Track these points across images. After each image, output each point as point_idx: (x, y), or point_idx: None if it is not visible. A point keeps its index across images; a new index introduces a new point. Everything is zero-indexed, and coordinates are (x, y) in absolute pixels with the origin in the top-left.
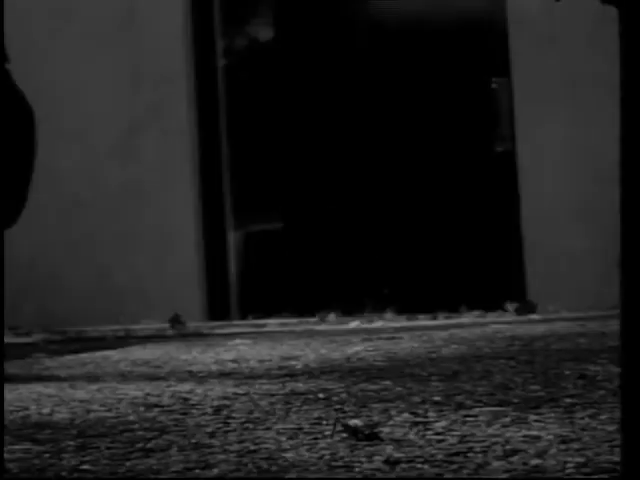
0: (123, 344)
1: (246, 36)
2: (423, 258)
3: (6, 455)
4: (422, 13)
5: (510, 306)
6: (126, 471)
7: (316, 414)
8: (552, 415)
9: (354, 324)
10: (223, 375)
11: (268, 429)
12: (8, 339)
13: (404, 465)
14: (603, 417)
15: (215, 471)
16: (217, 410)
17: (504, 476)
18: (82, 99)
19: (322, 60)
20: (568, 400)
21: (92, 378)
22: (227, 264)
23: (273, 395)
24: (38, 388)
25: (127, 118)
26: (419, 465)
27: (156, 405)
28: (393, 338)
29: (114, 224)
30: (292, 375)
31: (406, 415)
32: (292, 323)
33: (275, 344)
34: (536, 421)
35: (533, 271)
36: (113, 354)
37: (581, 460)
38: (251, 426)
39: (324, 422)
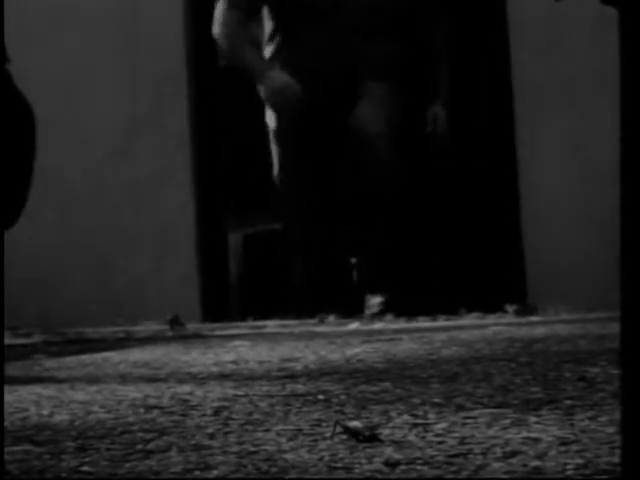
0: (123, 345)
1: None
2: (422, 259)
3: (6, 457)
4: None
5: (510, 308)
6: (126, 472)
7: (316, 415)
8: (552, 417)
9: (354, 326)
10: (223, 376)
11: (268, 430)
12: (8, 340)
13: (404, 467)
14: (603, 419)
15: (215, 472)
16: (217, 411)
17: (504, 477)
18: (82, 99)
19: (322, 59)
20: (568, 402)
21: (92, 379)
22: (227, 265)
23: (273, 396)
24: (38, 389)
25: (127, 118)
26: (419, 467)
27: (156, 406)
28: (393, 340)
29: (114, 224)
30: (292, 376)
31: (406, 417)
32: (292, 324)
33: (275, 345)
34: (536, 423)
35: (533, 273)
36: (113, 355)
37: (581, 462)
38: (251, 427)
39: (324, 424)
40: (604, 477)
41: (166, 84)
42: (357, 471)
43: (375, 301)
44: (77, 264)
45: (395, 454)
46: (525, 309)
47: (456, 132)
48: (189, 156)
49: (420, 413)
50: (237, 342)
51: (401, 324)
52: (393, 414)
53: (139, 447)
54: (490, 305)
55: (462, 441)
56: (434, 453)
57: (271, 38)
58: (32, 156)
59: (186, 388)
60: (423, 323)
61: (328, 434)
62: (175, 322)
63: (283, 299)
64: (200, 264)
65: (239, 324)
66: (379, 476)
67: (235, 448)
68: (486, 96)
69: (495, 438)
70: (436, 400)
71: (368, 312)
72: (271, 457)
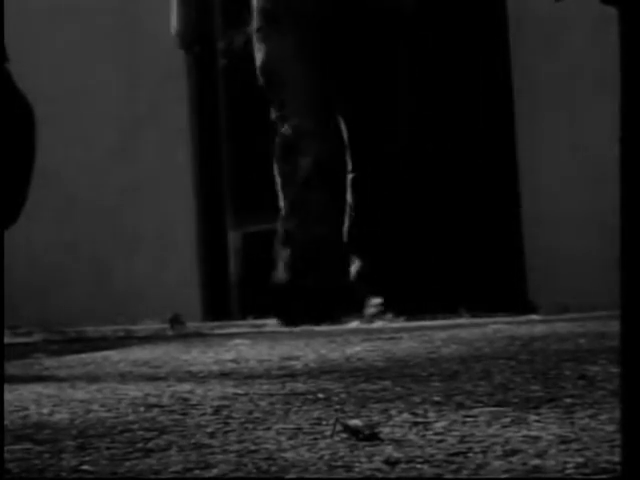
0: (123, 344)
1: (246, 36)
2: (423, 259)
3: (6, 455)
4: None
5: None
6: (126, 471)
7: (316, 414)
8: (552, 415)
9: (354, 324)
10: (223, 375)
11: (268, 429)
12: (8, 339)
13: (404, 465)
14: (603, 417)
15: (215, 471)
16: (217, 410)
17: (504, 476)
18: (82, 99)
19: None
20: (568, 400)
21: (92, 378)
22: (227, 264)
23: (273, 395)
24: (38, 388)
25: (127, 118)
26: (419, 465)
27: (156, 405)
28: (393, 338)
29: (114, 224)
30: (292, 375)
31: (406, 415)
32: None
33: (275, 344)
34: (536, 421)
35: (533, 271)
36: (113, 354)
37: (581, 460)
38: (251, 426)
39: (324, 422)
40: (604, 476)
41: (166, 84)
42: (357, 470)
43: (375, 302)
44: (77, 263)
45: (395, 453)
46: (526, 308)
47: (456, 132)
48: (189, 156)
49: (420, 412)
50: (237, 341)
51: (401, 323)
52: (393, 412)
53: (139, 446)
54: (490, 304)
55: (462, 439)
56: (434, 452)
57: None
58: (32, 155)
59: (186, 387)
60: (423, 322)
61: (328, 433)
62: (175, 321)
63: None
64: (200, 263)
65: (239, 323)
66: (379, 475)
67: (235, 447)
68: (486, 96)
69: (495, 436)
70: (436, 398)
71: (368, 313)
72: (271, 456)
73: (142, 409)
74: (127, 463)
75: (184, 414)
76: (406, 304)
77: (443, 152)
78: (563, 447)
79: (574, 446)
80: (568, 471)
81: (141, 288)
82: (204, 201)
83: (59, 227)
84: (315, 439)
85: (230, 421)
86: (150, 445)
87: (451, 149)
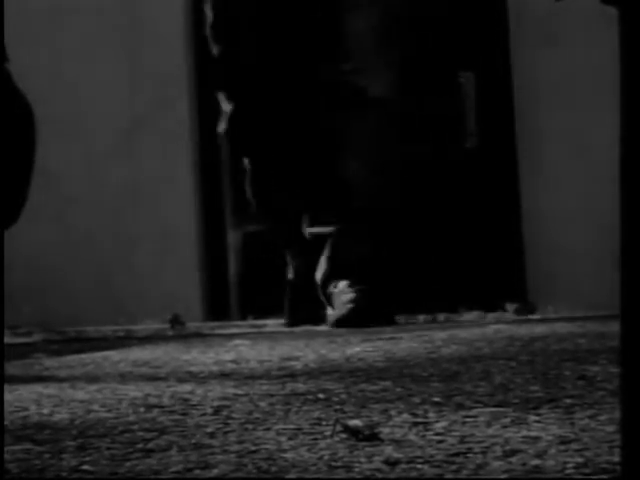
0: (123, 344)
1: None
2: (422, 258)
3: (6, 456)
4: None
5: (510, 307)
6: (126, 471)
7: (316, 414)
8: (552, 416)
9: None
10: (223, 375)
11: (268, 429)
12: (8, 339)
13: (404, 465)
14: (603, 418)
15: (215, 471)
16: (217, 410)
17: (503, 476)
18: (82, 98)
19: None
20: (568, 401)
21: (92, 378)
22: (227, 264)
23: (273, 395)
24: (38, 388)
25: (127, 117)
26: (419, 465)
27: (156, 405)
28: (393, 338)
29: (114, 224)
30: (292, 375)
31: (406, 415)
32: None
33: (275, 344)
34: (536, 422)
35: (533, 271)
36: (113, 354)
37: (581, 460)
38: (251, 426)
39: (324, 422)
40: (604, 476)
41: (167, 83)
42: (357, 470)
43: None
44: (77, 264)
45: (395, 453)
46: (525, 308)
47: (456, 131)
48: (190, 155)
49: (420, 412)
50: (237, 341)
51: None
52: (393, 413)
53: (139, 446)
54: (490, 304)
55: (462, 440)
56: (434, 452)
57: None
58: (32, 155)
59: (186, 387)
60: (423, 322)
61: (328, 433)
62: (175, 321)
63: (283, 298)
64: (201, 263)
65: (239, 323)
66: (379, 475)
67: (235, 447)
68: (486, 95)
69: (495, 437)
70: (436, 399)
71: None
72: (271, 456)
73: (142, 409)
74: (127, 463)
75: (184, 414)
76: (406, 303)
77: (440, 151)
78: (563, 447)
79: (574, 446)
80: (568, 471)
81: (141, 288)
82: (204, 201)
83: (59, 227)
84: (315, 439)
85: (230, 421)
86: (150, 445)
87: (450, 148)
